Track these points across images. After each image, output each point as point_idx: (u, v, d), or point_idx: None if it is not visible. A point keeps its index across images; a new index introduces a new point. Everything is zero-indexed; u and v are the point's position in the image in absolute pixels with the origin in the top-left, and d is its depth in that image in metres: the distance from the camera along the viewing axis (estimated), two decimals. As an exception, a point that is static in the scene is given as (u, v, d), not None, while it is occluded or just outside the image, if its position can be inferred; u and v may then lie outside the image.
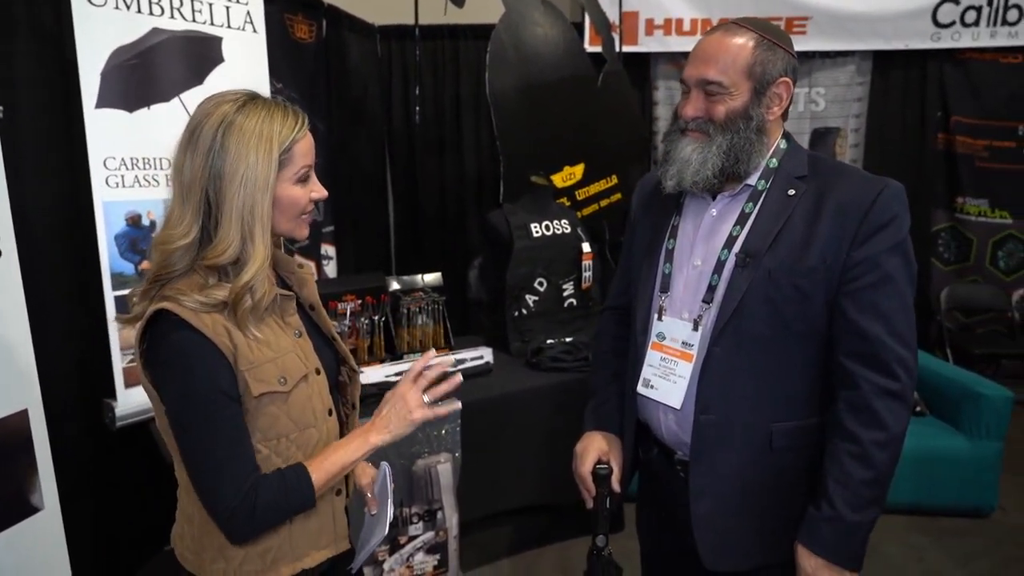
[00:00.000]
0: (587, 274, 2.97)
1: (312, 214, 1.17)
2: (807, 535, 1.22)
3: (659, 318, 1.35)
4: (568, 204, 3.44)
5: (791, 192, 1.24)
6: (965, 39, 4.23)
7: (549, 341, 2.77)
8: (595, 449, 1.45)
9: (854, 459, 1.18)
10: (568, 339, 2.80)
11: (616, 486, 1.43)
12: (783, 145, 1.29)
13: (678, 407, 1.31)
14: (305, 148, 1.11)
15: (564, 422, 2.65)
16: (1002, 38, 4.23)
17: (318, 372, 1.18)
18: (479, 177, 4.32)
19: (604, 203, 3.83)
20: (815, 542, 1.21)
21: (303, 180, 1.13)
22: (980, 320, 4.66)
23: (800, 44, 4.19)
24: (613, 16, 4.02)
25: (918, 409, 3.18)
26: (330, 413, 1.19)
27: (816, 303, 1.21)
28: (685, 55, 1.33)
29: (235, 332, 1.06)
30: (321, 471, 1.11)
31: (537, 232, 2.84)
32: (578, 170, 3.74)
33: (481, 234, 3.00)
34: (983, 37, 4.23)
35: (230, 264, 1.06)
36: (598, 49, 3.86)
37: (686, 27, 4.20)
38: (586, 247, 2.93)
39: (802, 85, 4.35)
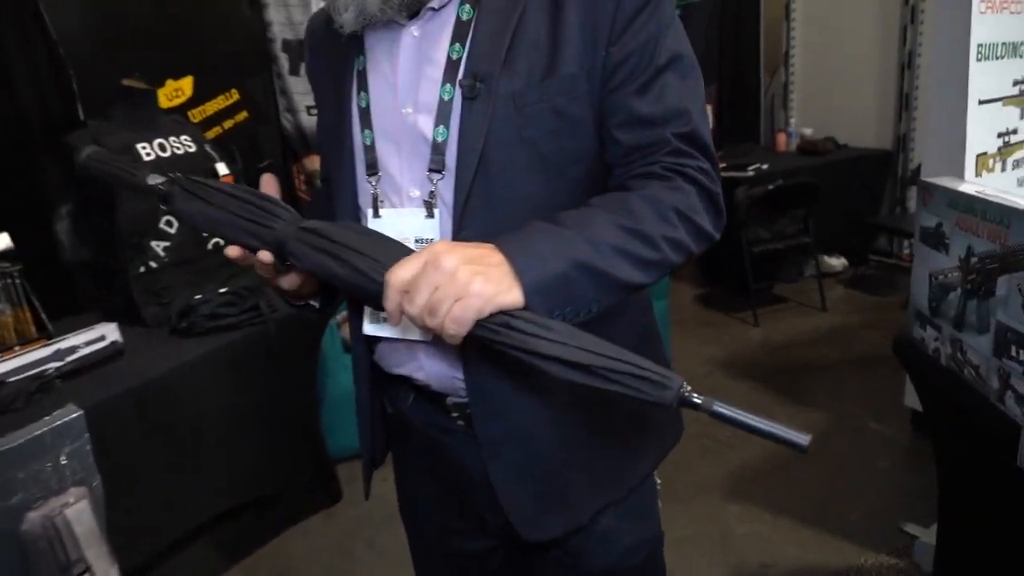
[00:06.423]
0: (232, 203, 2.31)
1: None
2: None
3: (375, 214, 0.90)
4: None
5: None
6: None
7: (198, 297, 2.08)
8: None
9: (648, 204, 0.78)
10: (223, 290, 2.14)
11: None
12: None
13: (428, 339, 0.89)
14: None
15: (245, 391, 2.06)
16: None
17: None
18: (43, 106, 3.20)
19: (228, 124, 3.19)
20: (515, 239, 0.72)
21: None
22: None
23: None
24: None
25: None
26: None
27: (589, 129, 0.84)
28: None
29: None
30: None
31: (149, 154, 2.08)
32: (186, 84, 3.00)
33: (64, 170, 2.13)
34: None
35: None
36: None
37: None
38: (222, 168, 2.25)
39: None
